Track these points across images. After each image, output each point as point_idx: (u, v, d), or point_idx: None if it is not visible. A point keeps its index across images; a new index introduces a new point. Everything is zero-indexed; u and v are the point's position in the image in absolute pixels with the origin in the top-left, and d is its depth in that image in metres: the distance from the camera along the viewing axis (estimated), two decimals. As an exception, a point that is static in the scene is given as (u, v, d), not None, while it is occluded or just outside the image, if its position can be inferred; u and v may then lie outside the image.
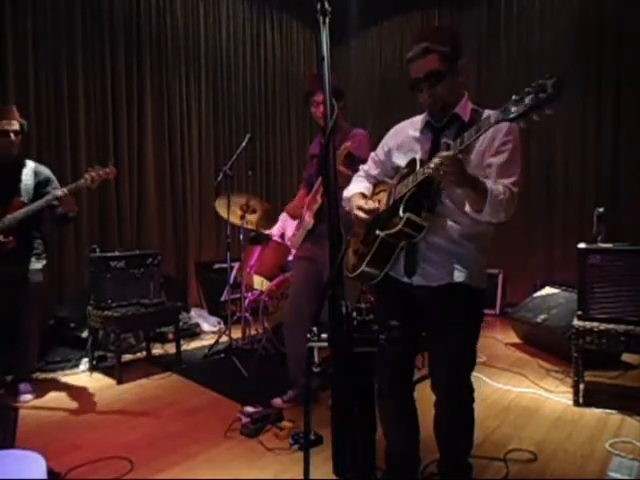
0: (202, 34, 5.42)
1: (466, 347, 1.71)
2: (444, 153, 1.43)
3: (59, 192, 2.88)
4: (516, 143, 1.59)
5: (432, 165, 1.44)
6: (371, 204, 1.74)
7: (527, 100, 1.23)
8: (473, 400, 1.77)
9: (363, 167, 2.00)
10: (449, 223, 1.64)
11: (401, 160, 1.76)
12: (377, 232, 1.67)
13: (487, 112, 1.63)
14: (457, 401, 1.76)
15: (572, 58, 4.86)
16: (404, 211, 1.57)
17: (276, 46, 6.30)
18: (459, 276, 1.65)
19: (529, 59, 5.19)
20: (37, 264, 3.07)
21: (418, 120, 1.78)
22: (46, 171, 3.15)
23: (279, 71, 6.31)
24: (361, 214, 1.73)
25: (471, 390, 1.76)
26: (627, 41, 4.60)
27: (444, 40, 1.58)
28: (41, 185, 3.06)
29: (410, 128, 1.79)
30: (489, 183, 1.52)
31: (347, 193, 1.90)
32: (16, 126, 2.96)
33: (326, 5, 1.13)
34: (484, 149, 1.59)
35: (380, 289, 1.83)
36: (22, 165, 3.06)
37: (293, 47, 6.54)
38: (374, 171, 1.94)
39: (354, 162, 2.67)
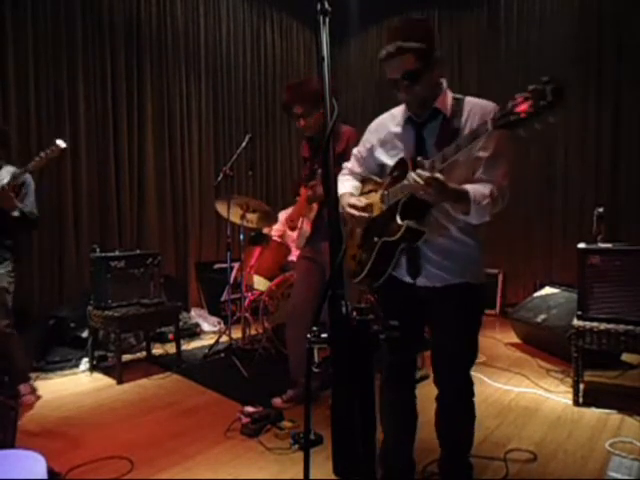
0: (202, 34, 5.42)
1: (468, 340, 1.73)
2: (423, 174, 1.40)
3: None
4: (503, 133, 1.52)
5: (411, 181, 1.43)
6: (364, 201, 1.71)
7: (527, 107, 1.18)
8: (473, 394, 1.78)
9: (347, 165, 1.96)
10: (447, 221, 1.63)
11: (385, 157, 1.74)
12: (375, 239, 1.65)
13: (468, 99, 1.62)
14: (458, 393, 1.77)
15: (572, 58, 4.85)
16: (402, 219, 1.55)
17: (276, 46, 6.30)
18: (463, 275, 1.66)
19: (529, 59, 5.19)
20: (1, 269, 2.93)
21: (398, 113, 1.73)
22: (26, 178, 3.02)
23: (279, 71, 6.31)
24: (354, 212, 1.70)
25: (471, 383, 1.77)
26: (627, 41, 4.60)
27: (418, 36, 1.50)
28: (15, 189, 2.91)
29: (391, 123, 1.75)
30: (472, 189, 1.49)
31: None
32: None
33: (326, 5, 1.13)
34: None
35: (382, 289, 1.82)
36: (0, 167, 2.96)
37: (293, 47, 6.54)
38: (358, 169, 1.91)
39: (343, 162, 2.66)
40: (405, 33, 1.51)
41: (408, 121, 1.68)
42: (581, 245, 2.85)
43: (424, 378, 2.75)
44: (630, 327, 2.62)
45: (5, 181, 2.84)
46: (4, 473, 1.28)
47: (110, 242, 4.45)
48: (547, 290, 4.11)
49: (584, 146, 4.91)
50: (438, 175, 1.40)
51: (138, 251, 3.86)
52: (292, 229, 3.08)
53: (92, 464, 2.21)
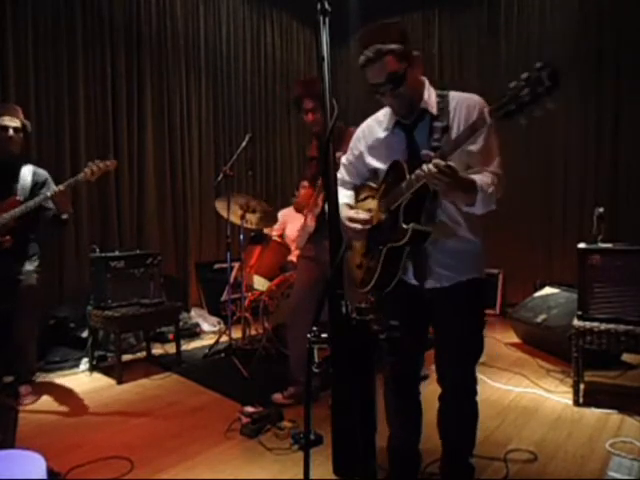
0: (202, 34, 5.42)
1: (473, 335, 1.72)
2: (439, 162, 1.38)
3: (51, 190, 2.80)
4: (490, 123, 1.53)
5: (426, 171, 1.39)
6: (362, 215, 1.68)
7: (524, 95, 1.17)
8: (476, 392, 1.77)
9: (337, 175, 1.90)
10: (454, 222, 1.62)
11: (376, 162, 1.72)
12: (380, 247, 1.63)
13: (452, 94, 1.62)
14: (462, 390, 1.77)
15: (572, 58, 4.85)
16: (406, 222, 1.52)
17: (276, 46, 6.29)
18: (469, 272, 1.66)
19: (529, 59, 5.19)
20: (29, 266, 3.01)
21: (384, 118, 1.71)
22: (45, 174, 3.11)
23: (279, 71, 6.31)
24: (355, 225, 1.68)
25: (475, 381, 1.77)
26: (627, 40, 4.60)
27: (394, 37, 1.50)
28: (38, 186, 3.01)
29: (378, 129, 1.72)
30: (477, 178, 1.49)
31: None
32: (17, 123, 2.92)
33: (326, 5, 1.13)
34: None
35: (388, 293, 1.77)
36: (21, 165, 3.03)
37: (293, 47, 6.53)
38: (348, 177, 1.88)
39: None
40: (381, 36, 1.51)
41: (397, 125, 1.66)
42: (581, 245, 2.85)
43: (424, 378, 2.75)
44: (630, 327, 2.62)
45: (54, 186, 2.88)
46: (4, 473, 1.28)
47: (110, 242, 4.45)
48: (547, 290, 4.11)
49: (584, 146, 4.92)
50: (452, 163, 1.39)
51: (138, 251, 3.86)
52: (298, 211, 3.10)
53: (92, 464, 2.21)
